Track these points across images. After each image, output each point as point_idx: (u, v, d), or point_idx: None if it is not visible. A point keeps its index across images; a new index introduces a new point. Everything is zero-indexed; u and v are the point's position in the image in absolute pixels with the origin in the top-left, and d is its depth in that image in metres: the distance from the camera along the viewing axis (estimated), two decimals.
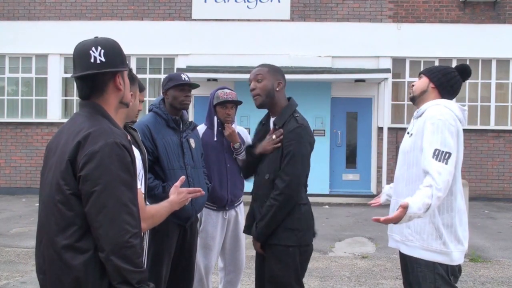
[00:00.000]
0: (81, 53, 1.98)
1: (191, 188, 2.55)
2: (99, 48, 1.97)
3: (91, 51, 1.96)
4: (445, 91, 2.74)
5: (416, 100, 2.79)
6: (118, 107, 2.08)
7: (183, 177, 2.56)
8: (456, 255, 2.57)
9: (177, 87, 3.51)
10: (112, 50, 2.01)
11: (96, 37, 2.05)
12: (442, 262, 2.55)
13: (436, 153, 2.45)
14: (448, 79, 2.74)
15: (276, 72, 3.07)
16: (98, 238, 1.82)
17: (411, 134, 2.68)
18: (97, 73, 1.96)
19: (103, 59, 1.96)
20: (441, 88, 2.73)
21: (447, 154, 2.45)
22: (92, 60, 1.95)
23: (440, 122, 2.50)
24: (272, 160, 2.98)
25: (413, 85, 2.84)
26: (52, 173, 1.93)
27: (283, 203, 2.88)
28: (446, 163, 2.43)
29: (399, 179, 2.75)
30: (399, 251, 2.81)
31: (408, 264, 2.67)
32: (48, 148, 2.05)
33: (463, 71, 2.78)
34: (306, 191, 3.08)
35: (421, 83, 2.78)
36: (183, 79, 3.53)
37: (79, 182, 1.85)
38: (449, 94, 2.75)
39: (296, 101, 3.17)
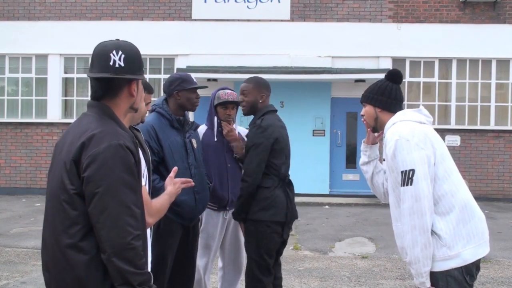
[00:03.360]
0: (101, 54, 1.98)
1: (183, 179, 2.54)
2: (120, 52, 1.97)
3: (111, 54, 1.96)
4: (392, 106, 2.72)
5: (377, 128, 2.79)
6: (127, 111, 2.09)
7: (175, 168, 2.59)
8: (467, 254, 2.48)
9: (192, 89, 3.56)
10: (132, 56, 2.01)
11: (118, 39, 2.04)
12: (455, 266, 2.47)
13: (402, 178, 2.45)
14: (387, 94, 2.71)
15: (260, 86, 3.73)
16: (100, 239, 1.83)
17: (384, 159, 2.66)
18: (113, 77, 1.97)
19: (122, 64, 1.96)
20: (387, 106, 2.71)
21: (411, 172, 2.43)
22: (111, 63, 1.96)
23: (396, 143, 2.47)
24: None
25: (363, 115, 2.83)
26: (58, 172, 1.94)
27: (243, 188, 3.55)
28: (411, 183, 2.42)
29: (390, 203, 2.75)
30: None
31: None
32: (55, 148, 2.06)
33: (392, 76, 2.76)
34: (279, 179, 3.62)
35: (368, 112, 2.77)
36: (195, 82, 3.61)
37: (83, 182, 1.86)
38: (397, 105, 2.73)
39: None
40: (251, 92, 3.70)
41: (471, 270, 2.52)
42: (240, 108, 3.82)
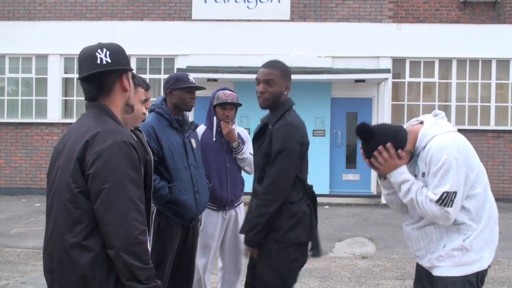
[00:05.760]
0: (87, 56, 2.02)
1: None
2: (105, 50, 2.01)
3: (97, 53, 2.00)
4: (405, 136, 2.57)
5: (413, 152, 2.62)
6: (124, 109, 2.11)
7: None
8: (485, 258, 2.54)
9: (185, 89, 3.51)
10: (117, 51, 2.04)
11: (100, 42, 2.08)
12: (476, 271, 2.51)
13: (443, 197, 2.41)
14: (395, 130, 2.57)
15: (286, 75, 3.01)
16: (107, 236, 1.84)
17: (423, 174, 2.54)
18: (104, 72, 1.99)
19: (109, 60, 2.00)
20: (404, 140, 2.56)
21: (454, 195, 2.41)
22: (98, 61, 1.99)
23: (447, 162, 2.41)
24: (257, 157, 3.03)
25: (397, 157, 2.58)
26: (60, 172, 1.95)
27: (268, 202, 2.85)
28: (451, 205, 2.41)
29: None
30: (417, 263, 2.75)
31: (435, 276, 2.59)
32: (55, 150, 2.08)
33: (363, 134, 2.58)
34: (304, 191, 3.02)
35: (405, 155, 2.54)
36: (190, 81, 3.54)
37: (87, 180, 1.87)
38: (404, 131, 2.59)
39: (296, 101, 3.15)
40: (278, 81, 2.95)
41: (483, 277, 2.57)
42: (259, 100, 3.00)
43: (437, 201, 2.42)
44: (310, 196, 3.09)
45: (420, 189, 2.49)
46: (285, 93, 2.99)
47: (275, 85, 2.95)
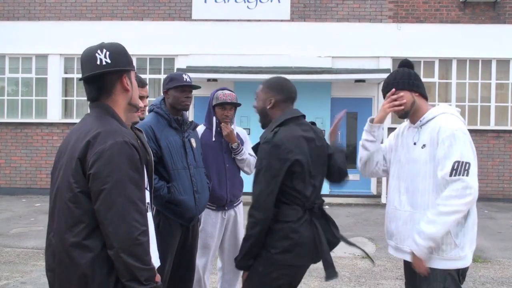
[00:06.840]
0: (88, 57, 2.03)
1: None
2: (104, 50, 2.02)
3: (96, 54, 2.01)
4: (425, 91, 2.83)
5: (409, 113, 2.78)
6: (127, 109, 2.12)
7: None
8: (469, 257, 2.60)
9: (178, 88, 3.50)
10: (117, 51, 2.05)
11: (103, 42, 2.09)
12: (460, 267, 2.56)
13: (456, 167, 2.44)
14: (420, 80, 2.83)
15: (270, 88, 2.91)
16: (107, 236, 1.85)
17: (424, 145, 2.60)
18: (103, 73, 2.00)
19: (108, 61, 2.00)
20: (423, 91, 2.80)
21: (467, 165, 2.45)
22: (98, 62, 2.00)
23: (456, 132, 2.51)
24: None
25: (395, 103, 2.80)
26: (62, 172, 1.96)
27: (252, 224, 2.68)
28: (467, 175, 2.43)
29: (414, 191, 2.65)
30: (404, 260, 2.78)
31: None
32: (58, 149, 2.10)
33: (409, 63, 2.96)
34: (305, 209, 2.77)
35: (407, 98, 2.76)
36: (184, 79, 3.51)
37: (88, 180, 1.88)
38: (425, 90, 2.83)
39: (296, 102, 3.05)
40: (259, 95, 2.94)
41: (464, 273, 2.63)
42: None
43: (450, 174, 2.44)
44: (317, 214, 2.81)
45: (428, 219, 2.51)
46: (268, 106, 2.87)
47: (259, 100, 2.94)
